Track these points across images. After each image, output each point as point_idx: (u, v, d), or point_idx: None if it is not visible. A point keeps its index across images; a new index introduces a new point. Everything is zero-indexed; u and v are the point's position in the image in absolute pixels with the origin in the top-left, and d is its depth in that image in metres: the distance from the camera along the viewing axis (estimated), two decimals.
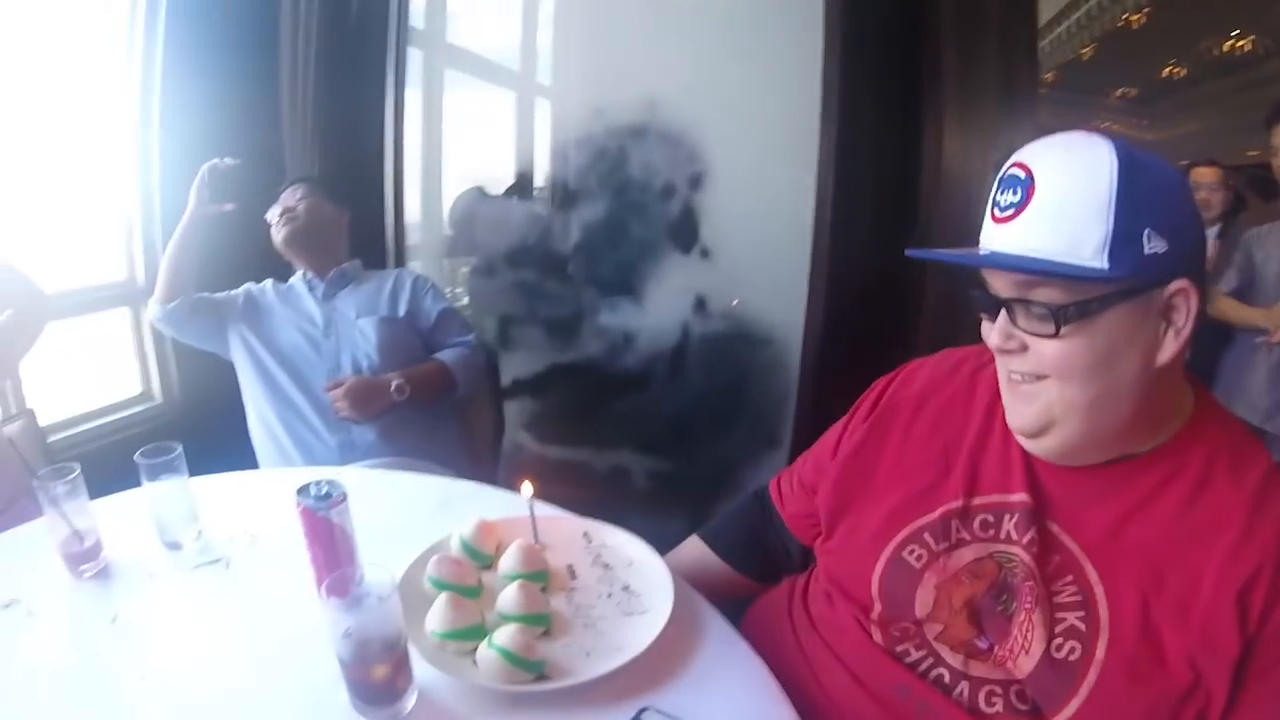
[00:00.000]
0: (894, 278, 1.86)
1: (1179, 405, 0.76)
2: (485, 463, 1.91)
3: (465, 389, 1.78)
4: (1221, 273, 2.39)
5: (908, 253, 0.81)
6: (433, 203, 2.25)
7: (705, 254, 1.88)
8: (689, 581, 0.97)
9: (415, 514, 1.04)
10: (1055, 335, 0.70)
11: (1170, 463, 0.74)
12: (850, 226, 1.76)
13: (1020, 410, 0.76)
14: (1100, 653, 0.70)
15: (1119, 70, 13.13)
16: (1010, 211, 0.71)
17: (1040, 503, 0.78)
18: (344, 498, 0.81)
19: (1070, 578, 0.74)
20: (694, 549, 1.11)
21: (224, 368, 1.71)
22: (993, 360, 0.82)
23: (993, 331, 0.74)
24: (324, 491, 0.80)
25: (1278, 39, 9.84)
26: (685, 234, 1.88)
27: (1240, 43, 10.22)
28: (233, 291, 1.75)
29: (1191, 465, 0.73)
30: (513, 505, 0.95)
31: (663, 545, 0.99)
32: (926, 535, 0.82)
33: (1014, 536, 0.78)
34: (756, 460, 1.93)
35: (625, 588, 0.90)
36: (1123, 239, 0.67)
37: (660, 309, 1.92)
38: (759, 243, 1.84)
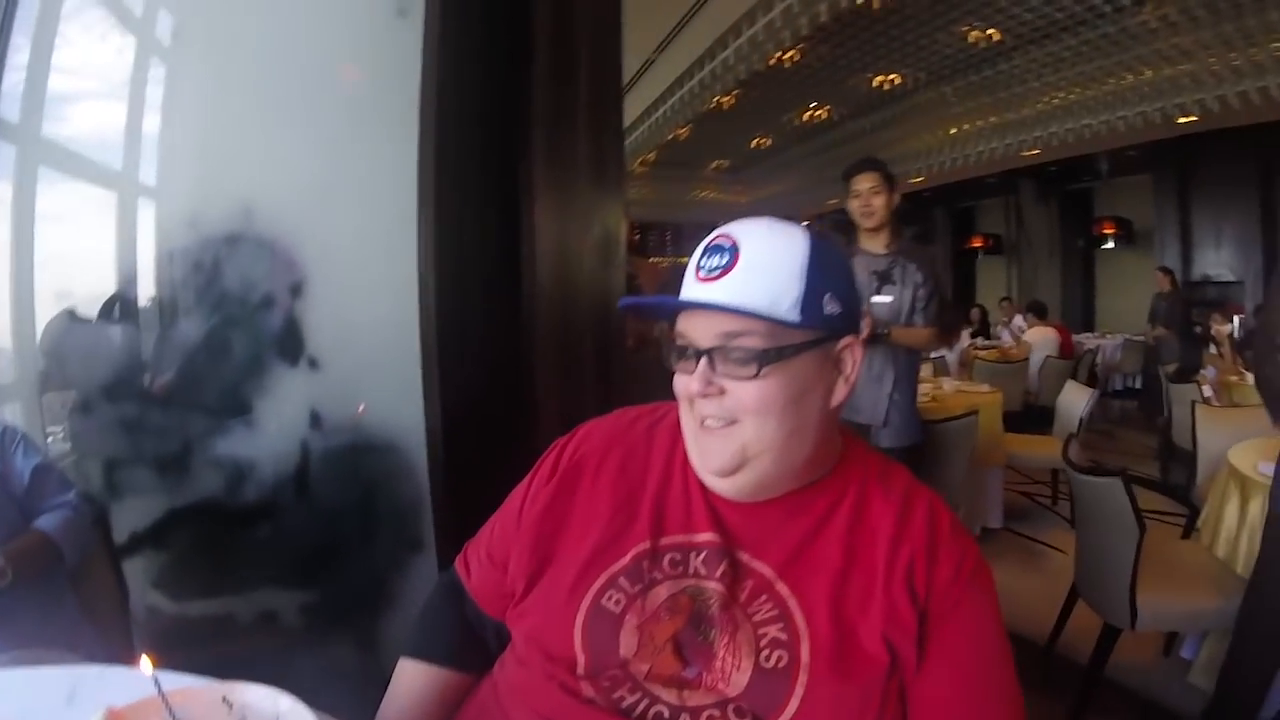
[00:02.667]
0: (508, 363, 1.93)
1: (835, 443, 0.95)
2: (116, 636, 1.71)
3: (73, 558, 1.60)
4: None
5: (622, 303, 0.95)
6: (25, 327, 1.97)
7: (314, 364, 1.84)
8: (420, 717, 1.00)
9: (42, 716, 0.91)
10: (756, 376, 0.84)
11: (835, 490, 0.92)
12: (458, 318, 1.82)
13: (716, 451, 0.88)
14: (805, 655, 0.84)
15: (713, 145, 14.95)
16: (717, 272, 0.85)
17: (727, 539, 0.91)
18: None
19: (765, 597, 0.87)
20: (410, 676, 1.05)
21: None
22: (667, 416, 1.00)
23: (693, 379, 0.86)
24: None
25: (848, 107, 11.86)
26: (291, 346, 1.84)
27: (818, 113, 12.21)
28: None
29: (851, 489, 0.92)
30: (149, 681, 0.85)
31: (334, 679, 0.97)
32: (622, 579, 0.91)
33: (702, 572, 0.90)
34: (405, 568, 1.89)
35: None
36: (811, 299, 0.85)
37: (276, 429, 1.84)
38: (369, 346, 1.84)
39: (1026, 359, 7.56)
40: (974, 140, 11.59)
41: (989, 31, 8.75)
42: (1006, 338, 9.28)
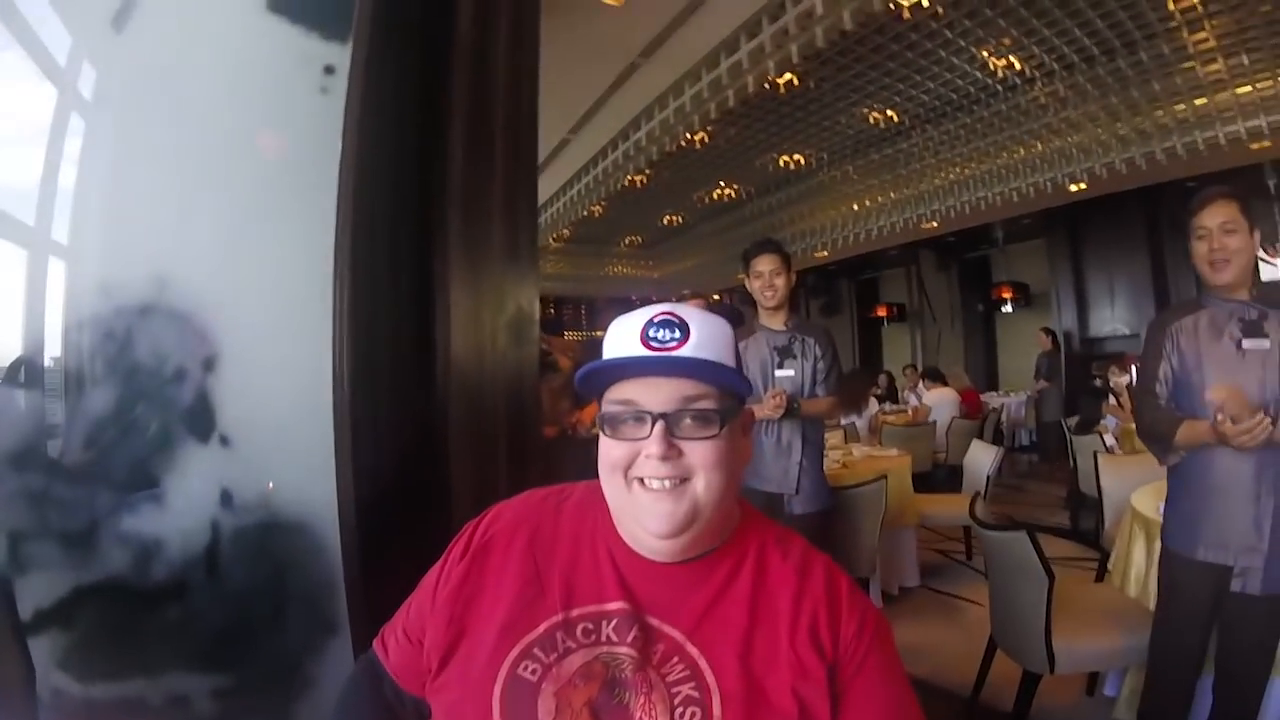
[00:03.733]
0: (422, 443, 1.89)
1: (736, 508, 1.03)
2: (21, 717, 1.60)
3: None
4: None
5: (584, 370, 0.97)
6: None
7: (225, 442, 1.77)
8: None
9: None
10: (716, 436, 0.93)
11: (735, 554, 0.99)
12: (371, 397, 1.78)
13: (667, 512, 0.92)
14: (718, 710, 0.90)
15: (626, 222, 15.27)
16: (673, 344, 0.93)
17: (637, 606, 0.95)
18: None
19: (677, 658, 0.92)
20: None
21: None
22: (573, 494, 1.07)
23: (652, 442, 0.92)
24: None
25: (755, 185, 12.29)
26: (202, 421, 1.77)
27: (727, 191, 12.63)
28: None
29: (750, 553, 0.99)
30: None
31: None
32: (536, 649, 0.94)
33: (614, 639, 0.94)
34: (319, 652, 1.81)
35: None
36: (737, 369, 0.98)
37: (186, 507, 1.75)
38: (281, 424, 1.78)
39: (934, 422, 7.78)
40: (875, 215, 12.10)
41: (888, 113, 9.26)
42: (913, 402, 9.58)
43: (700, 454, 0.93)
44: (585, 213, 12.50)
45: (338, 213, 1.78)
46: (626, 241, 16.34)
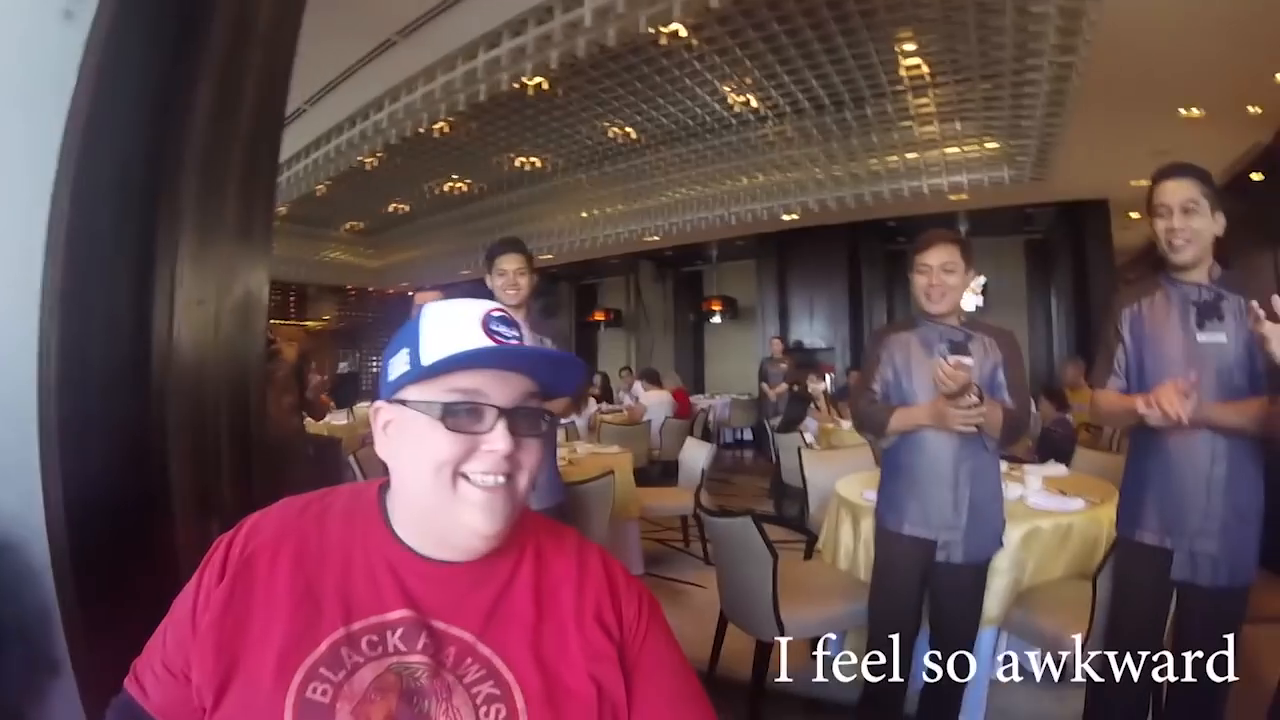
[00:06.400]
0: (138, 444, 1.61)
1: None
2: None
3: None
4: None
5: (441, 360, 0.88)
6: None
7: None
8: None
9: None
10: (542, 434, 0.93)
11: (515, 550, 0.97)
12: (82, 392, 1.49)
13: (498, 509, 0.90)
14: (521, 704, 0.88)
15: (350, 205, 14.53)
16: (514, 340, 0.93)
17: (420, 611, 0.91)
18: None
19: (470, 659, 0.90)
20: None
21: None
22: (334, 502, 0.99)
23: (499, 437, 0.88)
24: None
25: (489, 182, 12.13)
26: None
27: (459, 184, 12.35)
28: None
29: (529, 548, 0.98)
30: None
31: None
32: (323, 669, 0.87)
33: (402, 648, 0.89)
34: (42, 697, 1.48)
35: None
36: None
37: None
38: None
39: (649, 421, 8.15)
40: (602, 224, 12.48)
41: (627, 129, 9.61)
42: (628, 402, 9.99)
43: (529, 452, 0.92)
44: (308, 191, 11.61)
45: (55, 188, 1.46)
46: (347, 226, 15.44)
